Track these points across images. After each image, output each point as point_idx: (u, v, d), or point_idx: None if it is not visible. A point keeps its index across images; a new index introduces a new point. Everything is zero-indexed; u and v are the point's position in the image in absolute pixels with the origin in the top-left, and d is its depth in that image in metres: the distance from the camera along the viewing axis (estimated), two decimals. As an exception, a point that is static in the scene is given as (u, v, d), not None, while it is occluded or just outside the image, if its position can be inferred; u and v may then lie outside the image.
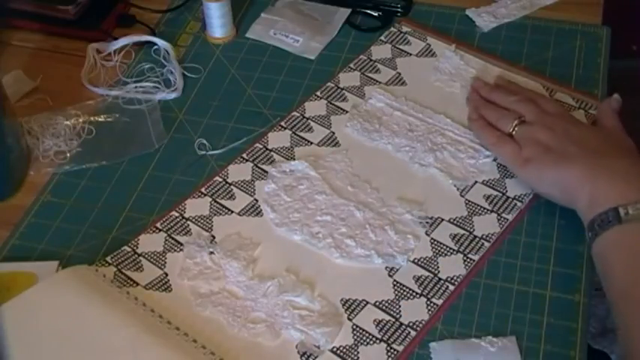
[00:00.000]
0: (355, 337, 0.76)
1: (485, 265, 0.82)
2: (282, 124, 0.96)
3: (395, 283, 0.80)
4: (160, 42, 1.04)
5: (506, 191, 0.88)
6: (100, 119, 0.97)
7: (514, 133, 0.87)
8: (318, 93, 0.99)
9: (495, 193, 0.87)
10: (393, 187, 0.89)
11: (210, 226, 0.86)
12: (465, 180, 0.89)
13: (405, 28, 1.07)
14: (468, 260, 0.82)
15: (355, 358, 0.75)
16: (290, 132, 0.95)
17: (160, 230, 0.85)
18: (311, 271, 0.81)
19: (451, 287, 0.79)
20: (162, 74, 1.02)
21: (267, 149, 0.93)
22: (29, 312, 0.75)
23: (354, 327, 0.77)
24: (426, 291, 0.79)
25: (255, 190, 0.89)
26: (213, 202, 0.88)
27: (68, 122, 0.96)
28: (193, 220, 0.86)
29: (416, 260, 0.82)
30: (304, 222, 0.85)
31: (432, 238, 0.84)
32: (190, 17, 1.12)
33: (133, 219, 0.87)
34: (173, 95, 1.00)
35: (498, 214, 0.85)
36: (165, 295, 0.80)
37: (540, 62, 1.02)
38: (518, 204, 0.86)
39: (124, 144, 0.94)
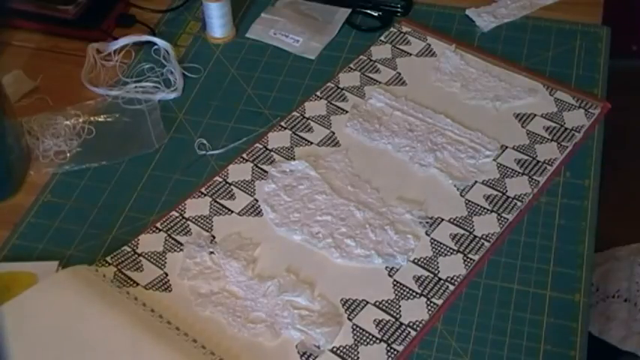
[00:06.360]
0: (355, 337, 0.76)
1: (486, 265, 0.82)
2: (282, 124, 0.96)
3: (395, 283, 0.80)
4: (160, 42, 1.04)
5: (506, 191, 0.88)
6: (100, 119, 0.97)
7: None
8: (318, 93, 0.99)
9: (495, 193, 0.87)
10: (393, 187, 0.89)
11: (210, 226, 0.85)
12: (465, 180, 0.89)
13: (405, 28, 1.07)
14: (468, 260, 0.82)
15: (355, 358, 0.75)
16: (290, 132, 0.95)
17: (160, 230, 0.85)
18: (311, 271, 0.81)
19: (451, 287, 0.79)
20: (162, 74, 1.02)
21: (267, 149, 0.93)
22: (29, 312, 0.75)
23: (354, 327, 0.77)
24: (426, 291, 0.79)
25: (255, 190, 0.89)
26: (213, 202, 0.88)
27: (68, 122, 0.96)
28: (193, 220, 0.86)
29: (416, 260, 0.82)
30: (304, 222, 0.85)
31: (432, 238, 0.84)
32: (190, 17, 1.12)
33: (133, 219, 0.87)
34: (173, 95, 1.00)
35: (498, 214, 0.85)
36: (166, 295, 0.80)
37: (540, 62, 1.02)
38: (518, 204, 0.86)
39: (124, 144, 0.94)
